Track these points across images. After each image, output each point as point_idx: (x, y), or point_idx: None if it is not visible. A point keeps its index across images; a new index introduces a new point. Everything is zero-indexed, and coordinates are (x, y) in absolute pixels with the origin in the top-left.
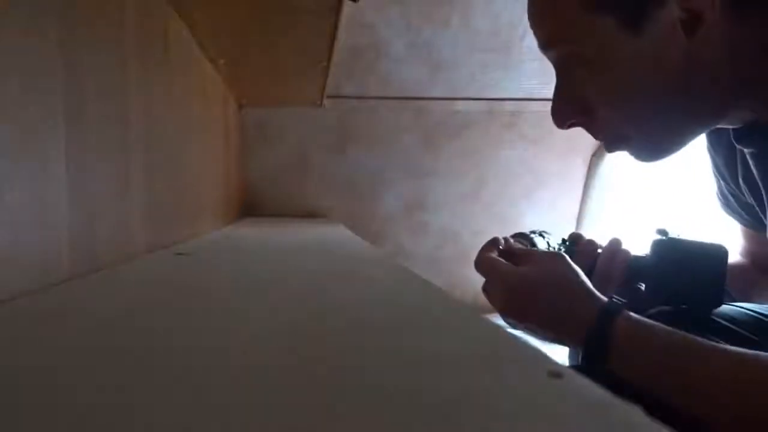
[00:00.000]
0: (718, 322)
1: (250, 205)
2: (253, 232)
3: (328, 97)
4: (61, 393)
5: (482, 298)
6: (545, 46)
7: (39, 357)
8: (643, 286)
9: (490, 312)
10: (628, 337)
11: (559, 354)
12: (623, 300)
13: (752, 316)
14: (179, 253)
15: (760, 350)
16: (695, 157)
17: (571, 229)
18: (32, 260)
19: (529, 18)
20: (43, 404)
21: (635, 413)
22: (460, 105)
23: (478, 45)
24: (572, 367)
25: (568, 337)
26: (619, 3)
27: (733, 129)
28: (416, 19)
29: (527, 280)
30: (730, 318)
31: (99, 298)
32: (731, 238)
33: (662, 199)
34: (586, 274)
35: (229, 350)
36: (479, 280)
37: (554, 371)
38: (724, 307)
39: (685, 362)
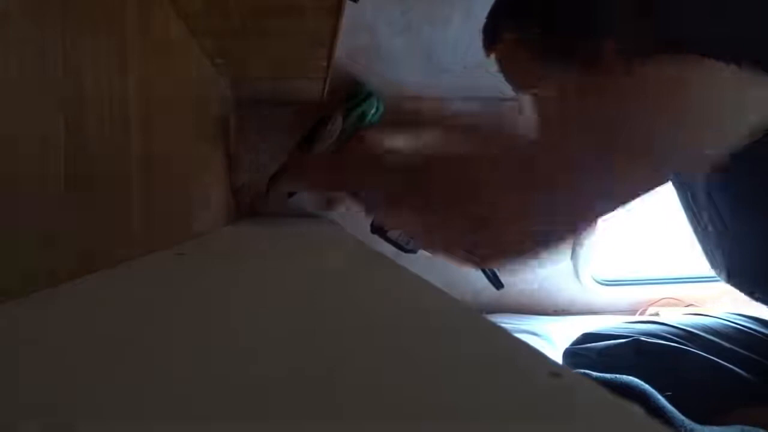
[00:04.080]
0: (703, 337)
1: (249, 205)
2: (252, 232)
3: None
4: (62, 393)
5: (482, 298)
6: (516, 91)
7: (39, 357)
8: None
9: (490, 311)
10: None
11: (560, 355)
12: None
13: (735, 328)
14: (180, 254)
15: (747, 363)
16: None
17: None
18: (32, 261)
19: (499, 69)
20: (43, 404)
21: (635, 413)
22: (460, 105)
23: (479, 46)
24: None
25: None
26: (566, 59)
27: None
28: (417, 21)
29: None
30: (713, 331)
31: (99, 298)
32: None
33: (661, 201)
34: None
35: (229, 350)
36: (479, 280)
37: (554, 371)
38: (706, 320)
39: None
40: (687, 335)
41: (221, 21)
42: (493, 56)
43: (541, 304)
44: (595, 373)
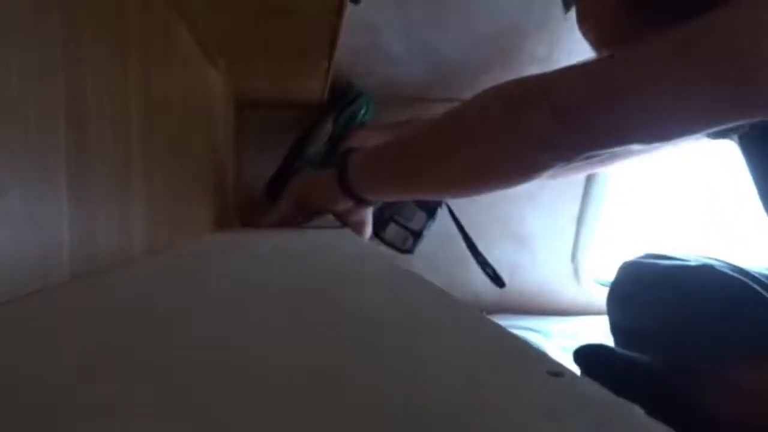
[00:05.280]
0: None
1: (249, 207)
2: (252, 234)
3: None
4: (62, 393)
5: (482, 299)
6: (598, 49)
7: (39, 357)
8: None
9: (490, 311)
10: (359, 162)
11: (560, 355)
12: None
13: None
14: (181, 255)
15: None
16: (697, 167)
17: (572, 230)
18: (32, 261)
19: (578, 23)
20: (43, 404)
21: (635, 413)
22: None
23: (479, 47)
24: None
25: (328, 192)
26: (661, 11)
27: None
28: (417, 21)
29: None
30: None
31: (100, 298)
32: (718, 248)
33: (662, 202)
34: None
35: (229, 350)
36: (479, 280)
37: (554, 370)
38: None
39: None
40: (756, 279)
41: (222, 22)
42: (572, 11)
43: (541, 305)
44: (619, 350)
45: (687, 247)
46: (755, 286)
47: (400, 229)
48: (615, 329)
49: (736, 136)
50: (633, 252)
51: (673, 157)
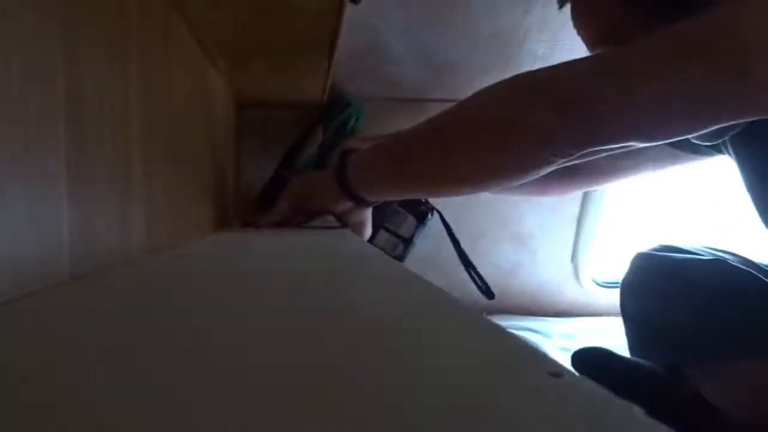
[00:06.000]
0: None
1: (249, 207)
2: (252, 235)
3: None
4: (62, 393)
5: (482, 299)
6: (592, 46)
7: (39, 357)
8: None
9: (491, 311)
10: (358, 162)
11: (560, 356)
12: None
13: None
14: (181, 255)
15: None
16: (698, 168)
17: (572, 231)
18: (32, 261)
19: (573, 19)
20: (43, 404)
21: (635, 413)
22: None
23: (479, 48)
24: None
25: (327, 193)
26: (658, 11)
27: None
28: (417, 21)
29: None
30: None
31: (100, 298)
32: (725, 244)
33: (662, 202)
34: None
35: (229, 350)
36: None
37: (554, 371)
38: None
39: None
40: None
41: (222, 22)
42: (567, 6)
43: (541, 305)
44: (617, 354)
45: (699, 239)
46: (767, 280)
47: (390, 237)
48: (627, 320)
49: (728, 136)
50: (646, 244)
51: (674, 174)
